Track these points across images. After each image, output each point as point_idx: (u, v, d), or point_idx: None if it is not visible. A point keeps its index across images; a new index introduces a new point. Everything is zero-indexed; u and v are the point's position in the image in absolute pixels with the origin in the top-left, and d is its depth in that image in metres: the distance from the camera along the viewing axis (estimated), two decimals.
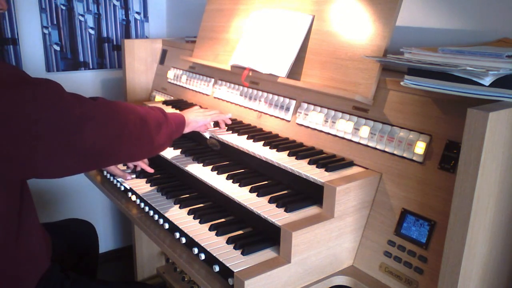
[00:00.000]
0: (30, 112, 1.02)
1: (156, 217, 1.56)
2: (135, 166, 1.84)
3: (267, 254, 1.26)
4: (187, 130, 1.62)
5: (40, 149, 1.05)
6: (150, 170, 1.78)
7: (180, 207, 1.57)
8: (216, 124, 1.78)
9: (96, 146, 1.16)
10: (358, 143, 1.41)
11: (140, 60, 2.53)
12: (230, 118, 1.79)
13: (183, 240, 1.42)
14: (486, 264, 1.12)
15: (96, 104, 1.19)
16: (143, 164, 1.79)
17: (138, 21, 2.84)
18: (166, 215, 1.52)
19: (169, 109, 2.05)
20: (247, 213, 1.37)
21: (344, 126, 1.45)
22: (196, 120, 1.64)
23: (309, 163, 1.41)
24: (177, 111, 1.72)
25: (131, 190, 1.75)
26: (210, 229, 1.41)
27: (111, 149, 1.22)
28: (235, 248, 1.29)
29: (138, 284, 2.07)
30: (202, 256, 1.32)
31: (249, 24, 1.83)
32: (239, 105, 1.89)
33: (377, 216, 1.33)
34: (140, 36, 2.88)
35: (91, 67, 2.72)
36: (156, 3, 2.91)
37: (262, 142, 1.59)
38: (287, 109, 1.66)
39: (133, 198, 1.74)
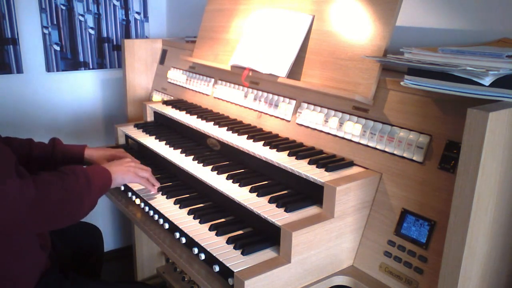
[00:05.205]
0: None
1: (156, 217, 1.56)
2: None
3: (267, 254, 1.26)
4: (113, 186, 1.53)
5: None
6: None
7: (180, 207, 1.57)
8: None
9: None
10: (358, 143, 1.41)
11: (140, 60, 2.53)
12: (229, 118, 1.78)
13: (183, 240, 1.42)
14: (486, 264, 1.12)
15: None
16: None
17: (138, 21, 2.84)
18: (166, 215, 1.52)
19: (169, 109, 2.05)
20: (247, 213, 1.37)
21: (344, 126, 1.44)
22: (123, 178, 1.55)
23: (309, 163, 1.41)
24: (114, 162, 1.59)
25: (131, 190, 1.75)
26: (210, 229, 1.41)
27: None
28: (235, 248, 1.29)
29: (138, 284, 2.07)
30: (202, 256, 1.32)
31: (249, 24, 1.83)
32: (239, 105, 1.89)
33: (377, 216, 1.33)
34: (140, 36, 2.88)
35: (91, 67, 2.72)
36: (156, 3, 2.91)
37: (262, 142, 1.59)
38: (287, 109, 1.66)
39: (133, 198, 1.74)
